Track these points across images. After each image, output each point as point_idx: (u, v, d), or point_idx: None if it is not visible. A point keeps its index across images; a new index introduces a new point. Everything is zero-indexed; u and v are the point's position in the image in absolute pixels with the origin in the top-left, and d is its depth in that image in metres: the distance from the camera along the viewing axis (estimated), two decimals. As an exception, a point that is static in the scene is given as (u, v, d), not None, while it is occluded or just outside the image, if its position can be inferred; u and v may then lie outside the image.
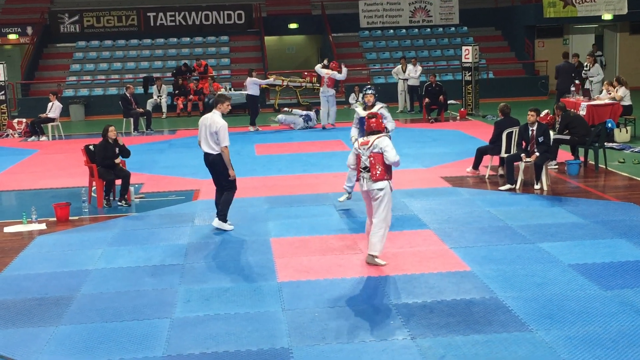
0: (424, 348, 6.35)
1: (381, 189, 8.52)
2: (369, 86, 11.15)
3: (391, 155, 8.51)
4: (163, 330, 6.94)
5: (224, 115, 10.29)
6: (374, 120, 8.79)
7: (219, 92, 11.70)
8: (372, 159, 8.55)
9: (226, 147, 10.14)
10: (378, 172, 8.51)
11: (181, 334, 6.83)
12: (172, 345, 6.61)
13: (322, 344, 6.51)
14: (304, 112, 21.20)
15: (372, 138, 8.64)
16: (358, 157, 8.70)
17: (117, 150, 12.09)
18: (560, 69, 21.04)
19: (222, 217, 10.39)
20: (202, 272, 8.61)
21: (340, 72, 20.31)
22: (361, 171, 8.64)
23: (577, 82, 19.44)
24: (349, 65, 27.29)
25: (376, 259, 8.61)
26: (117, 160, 12.06)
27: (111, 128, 12.14)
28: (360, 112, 10.95)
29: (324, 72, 20.04)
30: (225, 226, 10.32)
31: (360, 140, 8.79)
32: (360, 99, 10.84)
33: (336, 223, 10.48)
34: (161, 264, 8.98)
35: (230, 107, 10.42)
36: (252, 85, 20.81)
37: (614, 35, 29.16)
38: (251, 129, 20.70)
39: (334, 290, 7.88)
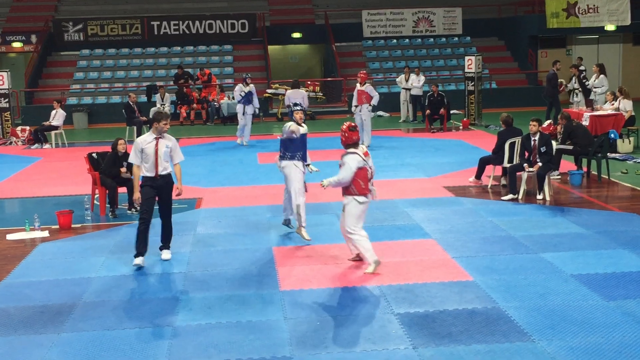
0: (425, 358, 6.34)
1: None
2: (297, 103, 10.54)
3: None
4: (165, 338, 6.94)
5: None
6: (355, 132, 8.75)
7: (156, 110, 10.58)
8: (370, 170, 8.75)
9: (131, 164, 9.51)
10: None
11: (183, 342, 6.83)
12: (174, 353, 6.60)
13: (323, 353, 6.50)
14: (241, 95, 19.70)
15: (363, 150, 8.76)
16: (364, 169, 8.66)
17: (124, 163, 12.13)
18: (548, 77, 21.44)
19: (136, 251, 9.19)
20: (204, 281, 8.61)
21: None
22: (369, 181, 8.74)
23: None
24: (352, 76, 27.43)
25: None
26: (123, 170, 12.07)
27: (121, 141, 12.21)
28: (302, 129, 10.02)
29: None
30: (135, 260, 9.09)
31: (360, 151, 8.70)
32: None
33: (338, 232, 10.44)
34: (163, 272, 8.98)
35: (168, 126, 9.24)
36: (303, 98, 18.75)
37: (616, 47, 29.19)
38: None
39: (335, 299, 7.88)
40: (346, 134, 8.71)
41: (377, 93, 18.89)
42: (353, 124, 8.90)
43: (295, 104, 10.44)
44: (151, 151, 9.10)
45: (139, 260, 9.08)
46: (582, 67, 21.71)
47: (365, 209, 8.83)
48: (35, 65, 28.03)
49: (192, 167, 16.31)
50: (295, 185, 10.01)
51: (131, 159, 9.27)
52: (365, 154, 8.69)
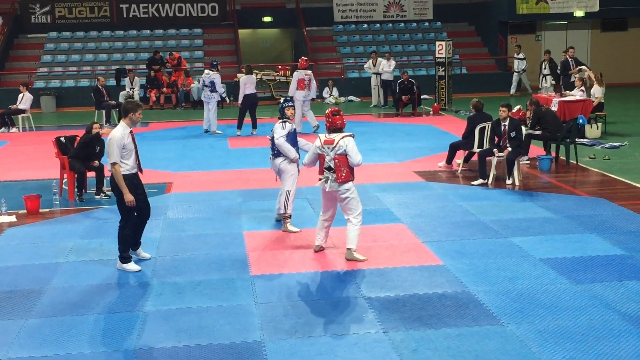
0: (396, 341, 6.37)
1: (348, 190, 8.47)
2: (288, 99, 10.12)
3: (355, 159, 8.40)
4: (135, 323, 6.90)
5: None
6: (339, 117, 8.60)
7: (127, 99, 10.32)
8: (336, 160, 8.42)
9: (114, 164, 8.18)
10: (343, 174, 8.41)
11: (153, 328, 6.79)
12: (144, 338, 6.57)
13: (294, 338, 6.50)
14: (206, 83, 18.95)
15: (336, 137, 8.48)
16: (321, 156, 8.59)
17: (97, 148, 12.03)
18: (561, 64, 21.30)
19: (120, 256, 8.52)
20: (174, 265, 8.57)
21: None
22: (324, 171, 8.53)
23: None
24: (323, 60, 27.38)
25: (355, 254, 8.56)
26: (96, 163, 11.93)
27: (96, 125, 12.12)
28: (293, 125, 10.01)
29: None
30: (129, 267, 8.45)
31: (323, 138, 8.59)
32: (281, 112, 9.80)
33: (309, 217, 10.47)
34: (133, 257, 8.90)
35: (141, 116, 8.53)
36: (251, 85, 18.64)
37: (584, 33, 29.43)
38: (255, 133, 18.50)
39: (306, 284, 7.89)
40: (329, 119, 8.62)
41: (293, 86, 18.12)
42: (336, 109, 8.79)
43: (287, 100, 10.19)
44: (131, 146, 8.27)
45: (135, 265, 8.50)
46: (521, 55, 21.78)
47: (323, 195, 8.71)
48: (1, 48, 27.58)
49: (162, 152, 16.22)
50: (292, 175, 9.84)
51: (114, 157, 8.12)
52: (330, 142, 8.52)
